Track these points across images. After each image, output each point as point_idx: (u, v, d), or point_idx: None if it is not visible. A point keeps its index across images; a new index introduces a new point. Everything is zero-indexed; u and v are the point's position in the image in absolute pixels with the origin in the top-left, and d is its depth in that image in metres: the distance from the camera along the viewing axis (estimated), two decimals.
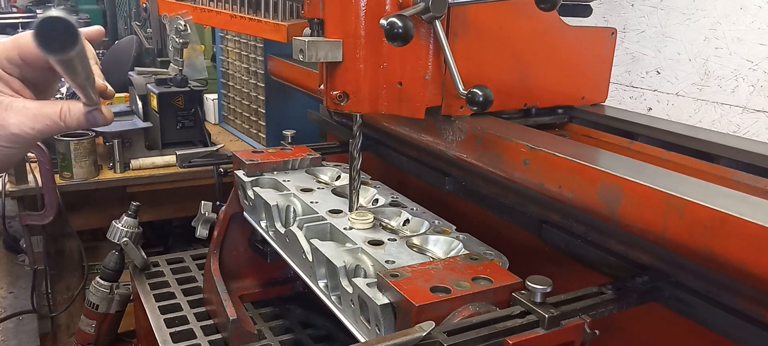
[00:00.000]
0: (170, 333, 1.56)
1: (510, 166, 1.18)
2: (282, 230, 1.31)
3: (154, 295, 1.76)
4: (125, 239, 1.83)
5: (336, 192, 1.42)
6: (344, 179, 1.52)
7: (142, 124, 2.88)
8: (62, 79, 0.93)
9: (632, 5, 2.22)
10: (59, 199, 2.59)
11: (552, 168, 1.09)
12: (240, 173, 1.52)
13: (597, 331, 0.93)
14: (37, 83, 0.94)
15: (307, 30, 1.23)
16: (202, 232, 1.71)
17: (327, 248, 1.12)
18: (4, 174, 2.60)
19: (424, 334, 0.83)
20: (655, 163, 1.12)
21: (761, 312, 0.92)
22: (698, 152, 1.29)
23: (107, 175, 2.79)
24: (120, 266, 1.94)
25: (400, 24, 1.01)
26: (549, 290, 0.92)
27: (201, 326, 1.61)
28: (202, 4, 2.62)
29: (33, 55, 0.88)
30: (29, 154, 2.62)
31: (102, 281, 1.94)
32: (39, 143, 2.55)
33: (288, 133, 1.74)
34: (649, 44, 2.19)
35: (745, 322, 0.93)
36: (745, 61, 1.90)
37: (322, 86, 1.24)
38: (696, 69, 2.04)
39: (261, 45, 2.89)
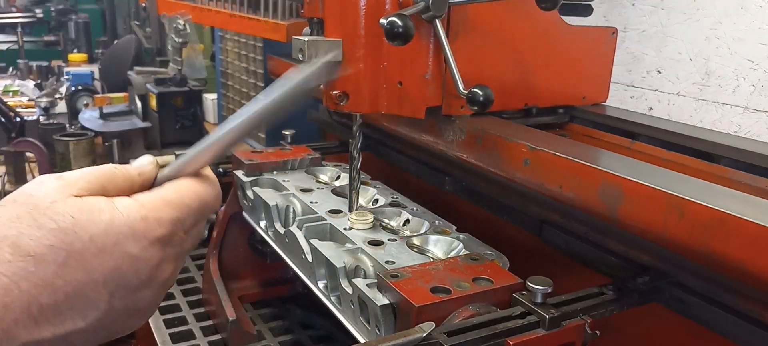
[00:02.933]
0: (169, 334, 1.56)
1: (510, 166, 1.18)
2: (281, 231, 1.31)
3: None
4: None
5: (336, 192, 1.42)
6: (344, 179, 1.52)
7: (141, 124, 2.88)
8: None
9: (633, 5, 2.22)
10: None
11: (553, 168, 1.09)
12: (239, 173, 1.52)
13: (597, 331, 0.92)
14: None
15: (307, 29, 1.23)
16: None
17: (327, 249, 1.12)
18: (3, 174, 2.59)
19: (424, 335, 0.83)
20: (655, 163, 1.12)
21: (761, 312, 0.91)
22: (699, 152, 1.29)
23: None
24: None
25: (400, 23, 1.01)
26: (549, 290, 0.91)
27: (200, 327, 1.60)
28: (201, 4, 2.61)
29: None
30: (28, 154, 2.62)
31: None
32: (38, 143, 2.55)
33: (287, 133, 1.74)
34: (650, 44, 2.18)
35: (745, 322, 0.93)
36: (745, 61, 1.90)
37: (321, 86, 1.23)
38: (697, 69, 2.04)
39: (260, 44, 2.89)
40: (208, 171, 0.75)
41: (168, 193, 0.70)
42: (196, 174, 0.73)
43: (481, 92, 1.08)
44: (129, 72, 3.19)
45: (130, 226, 0.65)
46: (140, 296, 0.68)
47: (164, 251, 0.68)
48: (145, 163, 0.74)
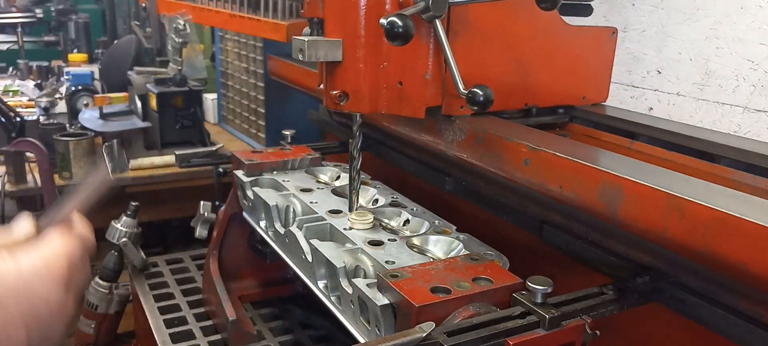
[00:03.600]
0: (170, 334, 1.56)
1: (511, 166, 1.18)
2: (281, 231, 1.31)
3: (153, 295, 1.75)
4: (124, 239, 1.82)
5: (336, 192, 1.42)
6: (344, 179, 1.52)
7: (141, 124, 2.88)
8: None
9: (633, 5, 2.22)
10: (59, 199, 2.59)
11: (553, 168, 1.09)
12: (239, 173, 1.52)
13: (597, 331, 0.92)
14: None
15: (307, 29, 1.23)
16: (201, 232, 1.71)
17: (327, 249, 1.12)
18: (3, 174, 2.59)
19: (424, 335, 0.83)
20: (655, 163, 1.12)
21: (761, 312, 0.91)
22: (699, 152, 1.29)
23: None
24: (119, 267, 1.93)
25: (400, 23, 1.01)
26: (550, 290, 0.91)
27: (200, 327, 1.60)
28: (201, 4, 2.61)
29: None
30: (28, 154, 2.62)
31: (101, 282, 1.93)
32: (38, 143, 2.55)
33: (287, 133, 1.74)
34: (650, 44, 2.18)
35: (745, 322, 0.93)
36: (745, 61, 1.90)
37: (321, 86, 1.23)
38: (697, 69, 2.04)
39: (260, 45, 2.88)
40: (74, 217, 0.88)
41: (55, 240, 0.81)
42: (66, 222, 0.86)
43: (481, 92, 1.08)
44: (129, 72, 3.18)
45: (36, 272, 0.76)
46: (53, 330, 0.78)
47: (68, 289, 0.80)
48: (24, 226, 0.85)
